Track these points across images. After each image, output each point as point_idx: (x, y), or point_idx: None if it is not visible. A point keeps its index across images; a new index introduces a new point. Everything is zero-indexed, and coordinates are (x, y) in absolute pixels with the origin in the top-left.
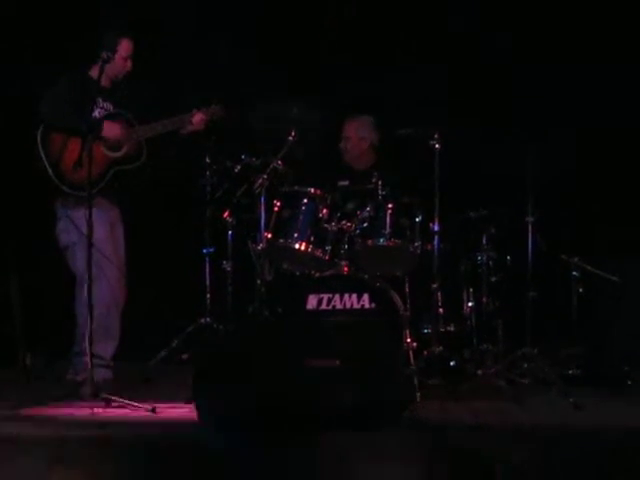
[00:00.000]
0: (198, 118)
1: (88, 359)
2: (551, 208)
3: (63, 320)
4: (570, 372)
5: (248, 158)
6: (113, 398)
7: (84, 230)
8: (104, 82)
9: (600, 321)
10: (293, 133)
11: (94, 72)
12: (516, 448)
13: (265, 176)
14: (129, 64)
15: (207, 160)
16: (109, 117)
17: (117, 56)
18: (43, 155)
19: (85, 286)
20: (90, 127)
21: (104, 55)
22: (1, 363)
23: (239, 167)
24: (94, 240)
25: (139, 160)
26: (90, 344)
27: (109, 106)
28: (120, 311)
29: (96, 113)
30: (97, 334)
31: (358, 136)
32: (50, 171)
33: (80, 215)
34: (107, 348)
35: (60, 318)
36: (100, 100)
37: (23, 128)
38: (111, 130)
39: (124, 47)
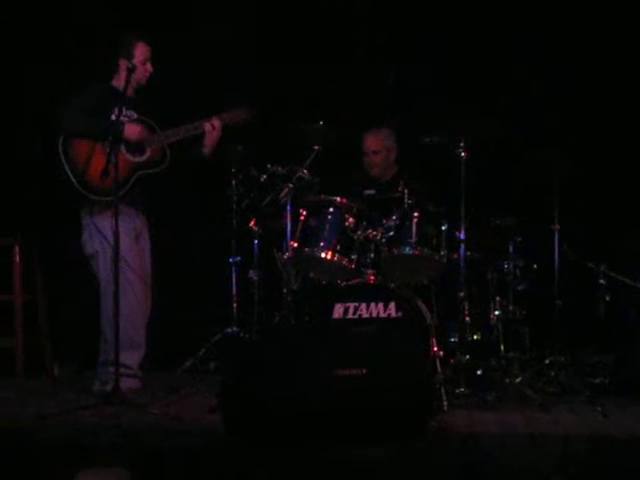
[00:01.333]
0: (216, 123)
1: (113, 368)
2: (578, 216)
3: (91, 330)
4: (597, 381)
5: (274, 167)
6: (139, 406)
7: (109, 238)
8: (129, 91)
9: (627, 329)
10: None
11: (116, 81)
12: (544, 457)
13: (291, 185)
14: (149, 67)
15: (233, 169)
16: (131, 122)
17: (136, 62)
18: (66, 165)
19: (109, 295)
20: (112, 129)
21: (128, 65)
22: (29, 373)
23: (265, 176)
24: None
25: (163, 164)
26: (117, 353)
27: (132, 114)
28: (146, 320)
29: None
30: (122, 343)
31: (386, 148)
32: (74, 180)
33: (105, 223)
34: (133, 357)
35: (88, 328)
36: (123, 108)
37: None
38: (133, 131)
39: (141, 51)
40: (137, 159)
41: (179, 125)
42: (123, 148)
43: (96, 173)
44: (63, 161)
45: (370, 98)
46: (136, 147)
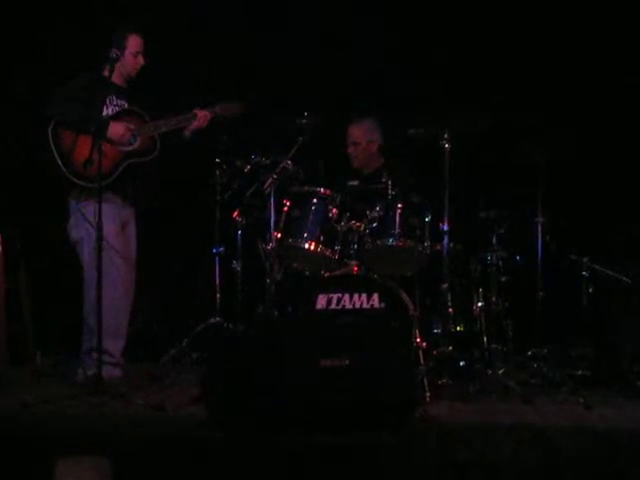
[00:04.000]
0: (202, 115)
1: (96, 355)
2: (561, 208)
3: (73, 319)
4: (580, 372)
5: (258, 158)
6: (122, 396)
7: (94, 224)
8: (118, 80)
9: (610, 321)
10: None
11: (107, 71)
12: (526, 448)
13: (275, 176)
14: (140, 60)
15: (217, 160)
16: (121, 114)
17: (127, 52)
18: (55, 151)
19: (92, 282)
20: (97, 128)
21: (112, 54)
22: (11, 362)
23: (249, 167)
24: (104, 237)
25: (153, 153)
26: (100, 340)
27: (123, 103)
28: (129, 310)
29: (109, 111)
30: (106, 331)
31: (366, 139)
32: (61, 165)
33: (91, 209)
34: (116, 345)
35: (70, 316)
36: (114, 98)
37: (33, 123)
38: (116, 132)
39: (133, 43)
40: (126, 148)
41: (170, 115)
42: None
43: (80, 160)
44: (52, 146)
45: (356, 87)
46: (119, 143)
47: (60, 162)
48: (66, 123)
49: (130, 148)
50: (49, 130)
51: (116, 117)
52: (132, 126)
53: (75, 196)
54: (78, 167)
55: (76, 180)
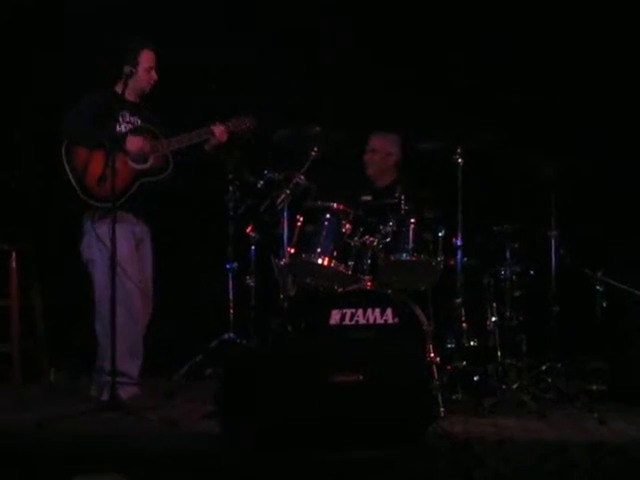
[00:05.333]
0: (219, 130)
1: (114, 377)
2: (575, 222)
3: (87, 336)
4: (594, 387)
5: (271, 173)
6: (136, 411)
7: (109, 245)
8: (131, 96)
9: (624, 336)
10: (316, 149)
11: (119, 87)
12: (540, 464)
13: (288, 191)
14: (153, 75)
15: (230, 176)
16: (134, 131)
17: (140, 68)
18: (68, 170)
19: (104, 303)
20: (113, 141)
21: (127, 70)
22: (25, 378)
23: (262, 182)
24: (117, 257)
25: (166, 172)
26: (114, 362)
27: (136, 120)
28: (143, 329)
29: (122, 128)
30: (120, 352)
31: (385, 151)
32: (76, 185)
33: (104, 230)
34: (132, 366)
35: (84, 334)
36: (127, 114)
37: (49, 140)
38: (134, 143)
39: (146, 58)
40: (140, 166)
41: (186, 132)
42: (127, 156)
43: (94, 178)
44: (65, 166)
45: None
46: (137, 155)
47: (74, 181)
48: (81, 141)
49: (144, 166)
50: (62, 149)
51: (130, 134)
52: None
53: (89, 216)
54: (92, 186)
55: (89, 200)
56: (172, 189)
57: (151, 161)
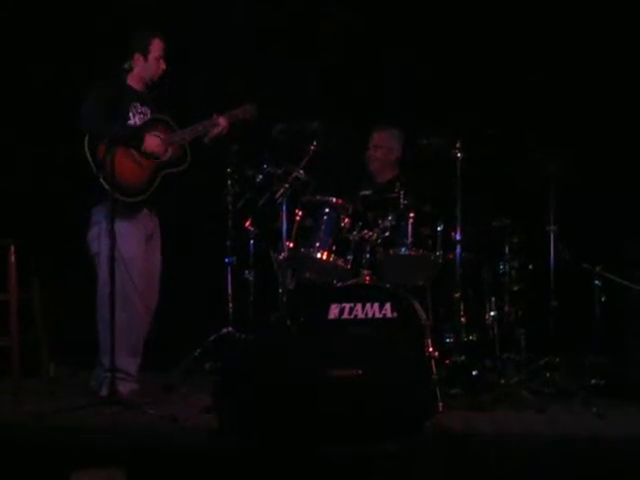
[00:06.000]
0: (223, 121)
1: (113, 373)
2: (574, 216)
3: (87, 329)
4: (593, 382)
5: (270, 167)
6: (135, 406)
7: (120, 243)
8: (139, 86)
9: (623, 330)
10: (315, 143)
11: (130, 77)
12: (539, 458)
13: (287, 185)
14: (163, 64)
15: (229, 169)
16: (149, 125)
17: (150, 57)
18: (92, 162)
19: (106, 298)
20: (132, 139)
21: (135, 59)
22: (25, 373)
23: (261, 176)
24: (125, 255)
25: (185, 162)
26: (112, 358)
27: (147, 110)
28: (146, 327)
29: (136, 120)
30: (123, 349)
31: (388, 146)
32: (101, 178)
33: (119, 226)
34: (133, 363)
35: (84, 327)
36: (138, 105)
37: (49, 133)
38: (151, 143)
39: (156, 47)
40: (162, 158)
41: (194, 122)
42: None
43: (122, 173)
44: (90, 159)
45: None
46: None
47: (100, 176)
48: (98, 137)
49: (164, 159)
50: (85, 142)
51: (145, 128)
52: (162, 136)
53: (102, 209)
54: (121, 181)
55: (118, 195)
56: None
57: (170, 152)
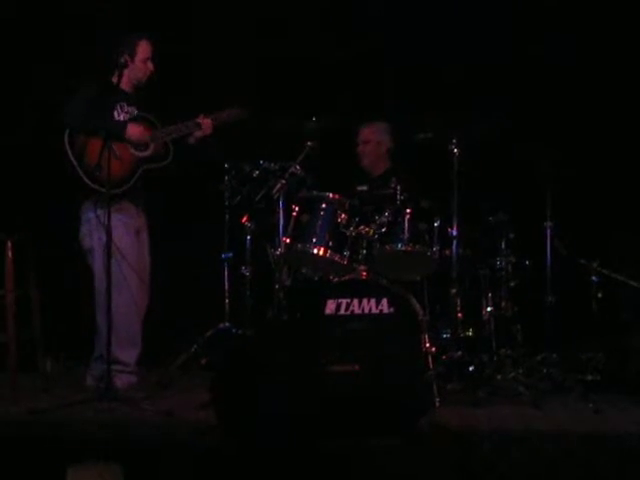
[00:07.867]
0: (206, 123)
1: (109, 366)
2: (571, 212)
3: (83, 325)
4: (589, 377)
5: (266, 163)
6: (132, 401)
7: (111, 234)
8: (127, 87)
9: (619, 326)
10: (311, 140)
11: (115, 78)
12: (535, 453)
13: (284, 181)
14: (150, 66)
15: (225, 165)
16: (134, 120)
17: (137, 59)
18: (72, 157)
19: (103, 292)
20: (114, 129)
21: (121, 60)
22: (21, 368)
23: (257, 172)
24: (118, 246)
25: (167, 159)
26: (108, 350)
27: (133, 110)
28: (142, 318)
29: (122, 117)
30: (120, 340)
31: (376, 140)
32: (81, 173)
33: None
34: (131, 354)
35: (81, 322)
36: (125, 105)
37: (45, 131)
38: (134, 132)
39: (143, 49)
40: (142, 154)
41: (176, 122)
42: (129, 144)
43: (91, 165)
44: (69, 154)
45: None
46: (138, 143)
47: (79, 169)
48: (81, 130)
49: (145, 154)
50: (65, 137)
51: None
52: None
53: (91, 204)
54: (90, 173)
55: (94, 186)
56: (171, 178)
57: (152, 148)
